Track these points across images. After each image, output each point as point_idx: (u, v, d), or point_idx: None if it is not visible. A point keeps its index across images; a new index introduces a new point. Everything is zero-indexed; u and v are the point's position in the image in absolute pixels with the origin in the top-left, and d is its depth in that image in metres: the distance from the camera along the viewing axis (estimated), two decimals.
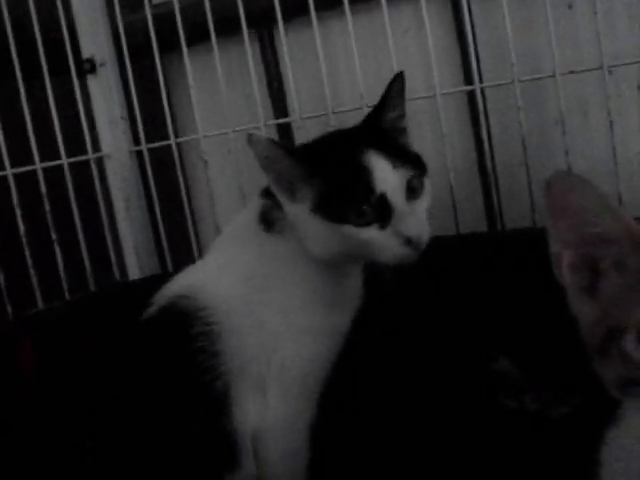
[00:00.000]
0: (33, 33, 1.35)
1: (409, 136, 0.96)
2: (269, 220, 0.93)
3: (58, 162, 1.36)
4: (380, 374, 1.01)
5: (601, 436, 0.65)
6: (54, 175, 1.37)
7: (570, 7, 1.29)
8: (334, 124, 1.27)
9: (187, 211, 1.42)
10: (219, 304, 0.90)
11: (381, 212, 0.85)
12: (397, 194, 0.85)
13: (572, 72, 1.16)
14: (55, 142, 1.37)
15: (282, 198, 0.89)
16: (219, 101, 1.37)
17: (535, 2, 1.18)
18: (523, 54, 1.23)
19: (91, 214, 1.42)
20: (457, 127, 1.39)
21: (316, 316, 0.91)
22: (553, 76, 1.16)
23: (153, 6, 1.48)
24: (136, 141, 1.49)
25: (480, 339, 1.02)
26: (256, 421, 0.91)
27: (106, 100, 1.49)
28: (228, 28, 1.37)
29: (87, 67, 1.46)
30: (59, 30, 1.40)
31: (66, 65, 1.41)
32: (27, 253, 1.29)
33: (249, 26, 1.35)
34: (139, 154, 1.49)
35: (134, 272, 1.50)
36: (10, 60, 1.33)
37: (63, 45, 1.40)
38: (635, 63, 1.15)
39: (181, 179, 1.41)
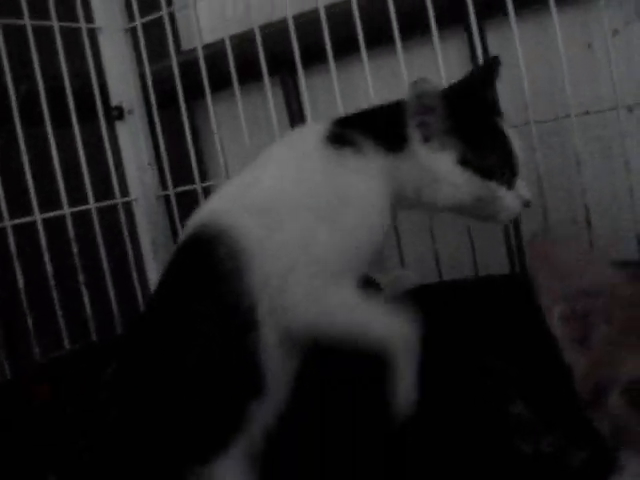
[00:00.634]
0: (63, 80, 1.40)
1: None
2: (344, 141, 0.97)
3: (86, 207, 1.40)
4: None
5: None
6: (83, 219, 1.40)
7: (589, 46, 1.29)
8: None
9: None
10: (240, 218, 0.92)
11: (512, 175, 0.97)
12: (522, 163, 0.98)
13: (587, 112, 1.16)
14: (83, 187, 1.41)
15: (418, 143, 0.95)
16: (244, 145, 1.41)
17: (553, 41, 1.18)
18: (541, 94, 1.24)
19: (119, 257, 1.45)
20: None
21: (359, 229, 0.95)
22: (569, 117, 1.17)
23: (179, 54, 1.53)
24: (163, 185, 1.54)
25: (497, 382, 1.02)
26: (288, 324, 0.91)
27: (134, 146, 1.54)
28: (251, 74, 1.40)
29: (115, 114, 1.51)
30: (89, 77, 1.46)
31: (95, 111, 1.46)
32: (55, 295, 1.32)
33: (272, 72, 1.38)
34: (166, 198, 1.53)
35: None
36: (40, 106, 1.36)
37: (92, 92, 1.46)
38: None
39: None
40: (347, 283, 0.93)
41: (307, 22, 1.35)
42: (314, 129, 1.01)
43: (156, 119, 1.49)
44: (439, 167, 0.95)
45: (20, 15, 1.33)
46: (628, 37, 1.26)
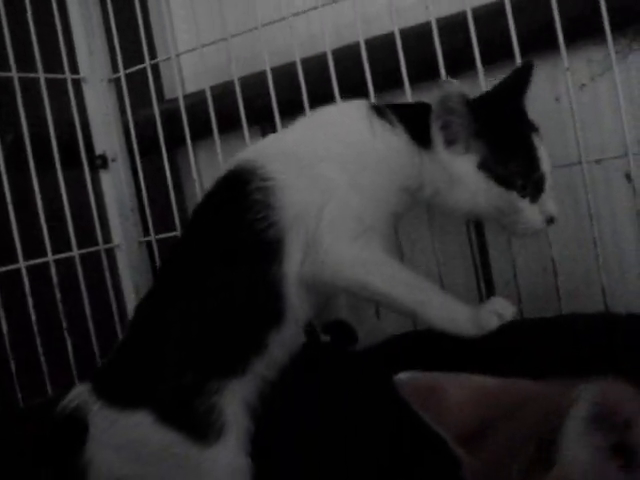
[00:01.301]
0: (48, 129, 1.45)
1: None
2: (389, 119, 1.05)
3: (70, 254, 1.45)
4: None
5: None
6: (66, 264, 1.45)
7: (557, 100, 1.35)
8: None
9: None
10: (276, 163, 1.02)
11: (536, 188, 0.98)
12: (549, 176, 1.00)
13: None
14: (66, 233, 1.45)
15: (439, 144, 1.00)
16: None
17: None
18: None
19: (101, 302, 1.49)
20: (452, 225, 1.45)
21: (378, 184, 1.02)
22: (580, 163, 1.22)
23: (162, 102, 1.59)
24: (145, 232, 1.58)
25: None
26: (313, 268, 0.99)
27: (117, 193, 1.59)
28: (231, 123, 1.45)
29: (99, 163, 1.56)
30: (73, 126, 1.51)
31: (79, 159, 1.51)
32: (38, 341, 1.35)
33: (252, 121, 1.44)
34: (148, 244, 1.58)
35: None
36: (25, 155, 1.41)
37: (76, 140, 1.51)
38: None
39: None
40: (369, 242, 1.01)
41: (285, 74, 1.40)
42: (358, 102, 1.10)
43: (139, 167, 1.54)
44: (459, 170, 0.99)
45: (7, 67, 1.38)
46: (595, 91, 1.33)
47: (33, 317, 1.36)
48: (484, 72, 1.23)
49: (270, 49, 1.40)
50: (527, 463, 0.51)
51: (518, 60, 1.19)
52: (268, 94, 1.39)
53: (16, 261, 1.36)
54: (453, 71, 1.25)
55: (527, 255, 1.33)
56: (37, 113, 1.44)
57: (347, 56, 1.35)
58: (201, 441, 0.96)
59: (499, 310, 0.98)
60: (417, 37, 1.31)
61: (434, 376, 0.61)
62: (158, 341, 1.01)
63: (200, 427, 0.97)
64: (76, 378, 1.39)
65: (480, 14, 1.25)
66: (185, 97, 1.52)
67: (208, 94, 1.45)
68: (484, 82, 1.23)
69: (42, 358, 1.36)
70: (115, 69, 1.57)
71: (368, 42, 1.31)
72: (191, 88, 1.58)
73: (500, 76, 1.18)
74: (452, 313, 0.99)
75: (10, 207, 1.35)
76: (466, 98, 0.97)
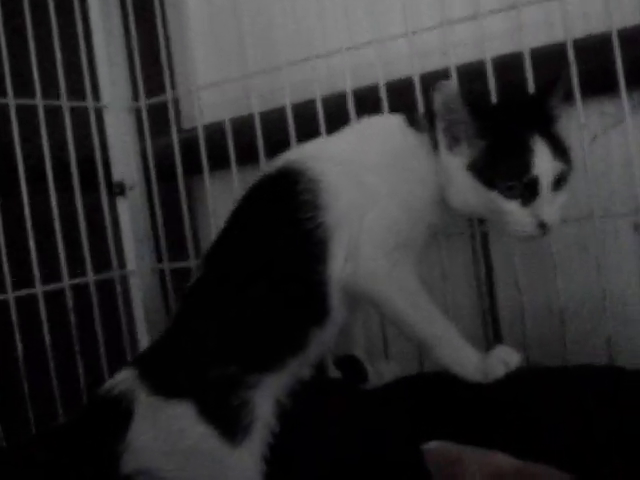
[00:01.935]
0: (68, 153, 1.50)
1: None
2: (418, 125, 1.11)
3: (85, 279, 1.49)
4: None
5: None
6: (79, 288, 1.49)
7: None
8: None
9: None
10: (324, 165, 1.08)
11: (528, 192, 0.98)
12: (546, 181, 0.98)
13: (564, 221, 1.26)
14: (82, 258, 1.49)
15: (442, 144, 1.05)
16: None
17: None
18: None
19: (112, 327, 1.53)
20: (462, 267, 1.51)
21: (416, 197, 1.08)
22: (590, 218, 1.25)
23: (180, 132, 1.63)
24: (159, 259, 1.63)
25: None
26: (350, 273, 1.06)
27: (133, 220, 1.64)
28: (248, 155, 1.49)
29: (117, 190, 1.61)
30: (93, 152, 1.56)
31: (96, 184, 1.56)
32: (51, 365, 1.39)
33: (269, 154, 1.48)
34: (161, 272, 1.63)
35: None
36: (46, 180, 1.46)
37: (95, 166, 1.56)
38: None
39: None
40: (403, 258, 1.07)
41: (304, 110, 1.45)
42: (395, 115, 1.15)
43: (155, 195, 1.59)
44: (451, 169, 1.04)
45: (31, 93, 1.43)
46: (607, 143, 1.37)
47: (47, 340, 1.40)
48: None
49: (290, 86, 1.44)
50: None
51: None
52: (287, 129, 1.44)
53: (32, 286, 1.39)
54: None
55: (535, 300, 1.37)
56: (58, 138, 1.49)
57: (366, 96, 1.40)
58: (229, 440, 1.00)
59: (505, 358, 1.03)
60: (436, 81, 1.35)
61: (459, 449, 0.65)
62: (205, 332, 1.05)
63: (231, 424, 1.00)
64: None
65: (499, 63, 1.30)
66: (204, 127, 1.56)
67: (227, 126, 1.50)
68: None
69: (55, 382, 1.40)
70: (136, 98, 1.62)
71: (388, 84, 1.36)
72: (210, 118, 1.63)
73: None
74: (462, 356, 1.04)
75: (30, 233, 1.39)
76: (465, 98, 1.01)
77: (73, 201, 1.50)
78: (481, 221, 1.35)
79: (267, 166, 1.17)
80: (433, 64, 1.38)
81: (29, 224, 1.39)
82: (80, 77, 1.54)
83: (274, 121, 1.49)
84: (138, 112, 1.63)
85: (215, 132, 1.56)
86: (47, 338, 1.39)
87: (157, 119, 1.62)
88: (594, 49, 1.27)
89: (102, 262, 1.55)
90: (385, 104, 1.35)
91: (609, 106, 1.35)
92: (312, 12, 1.59)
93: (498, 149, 1.00)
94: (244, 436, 1.01)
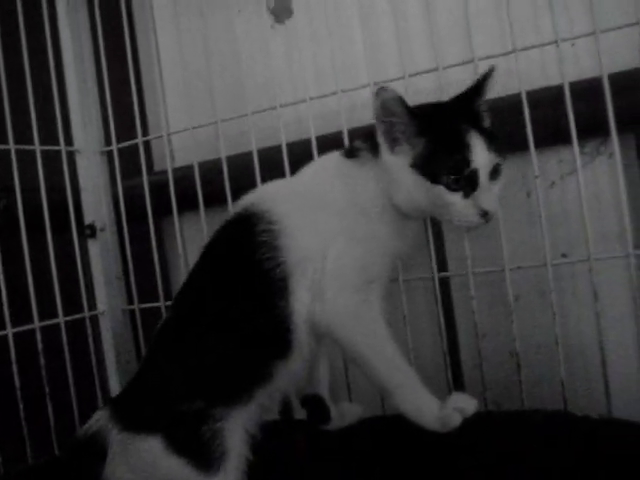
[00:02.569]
0: (40, 196, 1.54)
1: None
2: (354, 153, 1.16)
3: (56, 320, 1.53)
4: None
5: None
6: (50, 329, 1.52)
7: (529, 195, 1.46)
8: None
9: None
10: (280, 207, 1.12)
11: (469, 184, 1.05)
12: (484, 173, 1.05)
13: (519, 267, 1.33)
14: (53, 299, 1.53)
15: (383, 146, 1.10)
16: None
17: None
18: (482, 245, 1.40)
19: (82, 367, 1.57)
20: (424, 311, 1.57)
21: (373, 229, 1.12)
22: (502, 270, 1.33)
23: (151, 174, 1.69)
24: (130, 300, 1.67)
25: None
26: (316, 312, 1.10)
27: (103, 261, 1.68)
28: (217, 197, 1.54)
29: (88, 232, 1.65)
30: (64, 194, 1.61)
31: (67, 225, 1.59)
32: (21, 406, 1.43)
33: (237, 198, 1.53)
34: (132, 313, 1.67)
35: None
36: (16, 220, 1.50)
37: (67, 208, 1.60)
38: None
39: None
40: (369, 296, 1.11)
41: (271, 155, 1.50)
42: (334, 152, 1.21)
43: (126, 237, 1.63)
44: (394, 170, 1.09)
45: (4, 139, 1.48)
46: (564, 189, 1.44)
47: (17, 382, 1.43)
48: None
49: (258, 132, 1.50)
50: None
51: None
52: (253, 173, 1.49)
53: (2, 327, 1.43)
54: None
55: (494, 344, 1.43)
56: (30, 180, 1.53)
57: (331, 142, 1.45)
58: (204, 470, 1.05)
59: (462, 406, 1.07)
60: None
61: None
62: (172, 369, 1.10)
63: (204, 455, 1.05)
64: (56, 445, 1.46)
65: None
66: (174, 170, 1.61)
67: (196, 170, 1.55)
68: None
69: (24, 422, 1.43)
70: (108, 142, 1.68)
71: (351, 131, 1.42)
72: (180, 161, 1.67)
73: None
74: (421, 406, 1.08)
75: (1, 276, 1.43)
76: (403, 100, 1.06)
77: (45, 243, 1.54)
78: (441, 267, 1.41)
79: (232, 208, 1.22)
80: None
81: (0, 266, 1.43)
82: (53, 121, 1.58)
83: (242, 165, 1.54)
84: (110, 155, 1.68)
85: (185, 175, 1.61)
86: (17, 379, 1.43)
87: (128, 161, 1.67)
88: (550, 101, 1.34)
89: (73, 303, 1.59)
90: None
91: (566, 155, 1.42)
92: (281, 63, 1.66)
93: (439, 146, 1.06)
94: (219, 466, 1.05)
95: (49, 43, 1.60)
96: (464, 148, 1.04)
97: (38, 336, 1.48)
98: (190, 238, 1.64)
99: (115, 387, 1.65)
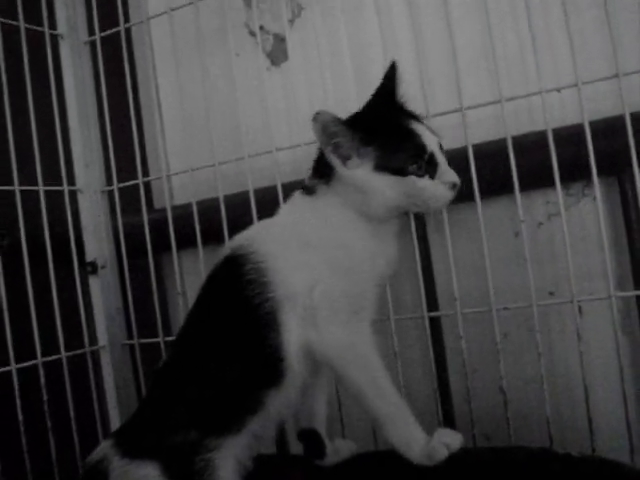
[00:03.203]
0: (43, 233, 1.61)
1: None
2: (312, 189, 1.22)
3: (57, 356, 1.59)
4: None
5: None
6: (52, 364, 1.58)
7: (517, 235, 1.53)
8: None
9: None
10: (264, 247, 1.18)
11: (431, 166, 1.14)
12: (438, 152, 1.15)
13: (505, 308, 1.39)
14: (55, 334, 1.60)
15: (338, 166, 1.16)
16: None
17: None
18: (472, 284, 1.47)
19: (83, 401, 1.63)
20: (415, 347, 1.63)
21: (353, 258, 1.17)
22: (490, 310, 1.39)
23: (151, 212, 1.75)
24: (129, 335, 1.73)
25: None
26: (310, 341, 1.15)
27: (104, 297, 1.75)
28: (215, 235, 1.60)
29: (90, 269, 1.72)
30: (67, 232, 1.67)
31: (68, 262, 1.66)
32: (23, 440, 1.48)
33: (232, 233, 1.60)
34: (131, 347, 1.73)
35: None
36: (20, 257, 1.56)
37: (69, 246, 1.67)
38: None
39: None
40: (360, 324, 1.17)
41: (267, 195, 1.57)
42: (296, 193, 1.27)
43: (126, 274, 1.70)
44: (361, 180, 1.15)
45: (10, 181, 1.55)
46: (551, 229, 1.51)
47: (20, 417, 1.49)
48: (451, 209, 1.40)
49: (255, 172, 1.58)
50: None
51: (478, 199, 1.37)
52: (250, 211, 1.56)
53: (6, 364, 1.49)
54: None
55: (483, 380, 1.49)
56: (35, 220, 1.60)
57: None
58: None
59: (448, 441, 1.13)
60: None
61: None
62: (170, 401, 1.17)
63: None
64: (57, 477, 1.52)
65: (449, 157, 1.43)
66: (173, 208, 1.68)
67: (195, 209, 1.62)
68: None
69: (26, 455, 1.48)
70: (109, 182, 1.75)
71: None
72: (179, 199, 1.74)
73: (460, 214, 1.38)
74: (410, 438, 1.14)
75: (6, 314, 1.49)
76: (340, 119, 1.14)
77: (47, 279, 1.60)
78: (432, 306, 1.47)
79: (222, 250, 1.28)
80: None
81: (4, 303, 1.49)
82: (56, 162, 1.66)
83: (239, 204, 1.60)
84: (111, 195, 1.74)
85: (183, 213, 1.68)
86: (20, 413, 1.49)
87: (128, 199, 1.73)
88: (537, 145, 1.40)
89: (74, 337, 1.65)
90: None
91: (553, 196, 1.49)
92: (278, 104, 1.74)
93: (393, 144, 1.14)
94: None
95: (53, 86, 1.67)
96: (415, 137, 1.14)
97: (41, 371, 1.54)
98: (189, 274, 1.70)
99: (115, 419, 1.71)
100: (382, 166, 1.14)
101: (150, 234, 1.68)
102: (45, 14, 1.68)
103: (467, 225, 1.50)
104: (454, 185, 1.14)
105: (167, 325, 1.72)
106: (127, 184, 1.71)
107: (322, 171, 1.20)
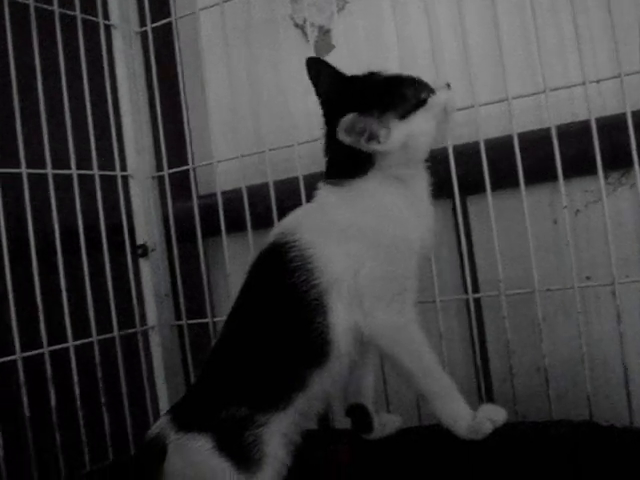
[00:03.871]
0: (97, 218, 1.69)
1: None
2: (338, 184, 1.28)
3: (111, 335, 1.67)
4: None
5: None
6: (104, 344, 1.66)
7: (555, 222, 1.59)
8: None
9: None
10: (306, 236, 1.24)
11: (429, 89, 1.27)
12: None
13: (548, 290, 1.46)
14: (108, 315, 1.67)
15: (378, 147, 1.22)
16: None
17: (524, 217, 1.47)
18: (514, 266, 1.53)
19: (134, 380, 1.71)
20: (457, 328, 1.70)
21: (394, 236, 1.24)
22: (532, 292, 1.46)
23: (199, 197, 1.82)
24: (178, 316, 1.81)
25: None
26: (358, 324, 1.22)
27: (154, 279, 1.83)
28: (263, 219, 1.69)
29: (140, 252, 1.80)
30: (118, 215, 1.76)
31: (119, 247, 1.74)
32: (80, 414, 1.56)
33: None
34: (180, 328, 1.81)
35: None
36: (77, 240, 1.64)
37: (121, 230, 1.75)
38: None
39: None
40: (404, 305, 1.24)
41: (314, 180, 1.63)
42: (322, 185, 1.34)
43: (176, 256, 1.78)
44: (402, 137, 1.22)
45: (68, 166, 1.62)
46: (588, 217, 1.57)
47: (77, 392, 1.56)
48: (493, 197, 1.48)
49: (302, 158, 1.65)
50: None
51: (522, 187, 1.44)
52: (298, 196, 1.63)
53: (64, 341, 1.57)
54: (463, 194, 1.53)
55: (524, 359, 1.56)
56: (89, 204, 1.68)
57: None
58: (244, 471, 1.18)
59: (492, 416, 1.20)
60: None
61: None
62: (222, 379, 1.24)
63: (245, 457, 1.18)
64: (111, 453, 1.61)
65: (492, 146, 1.50)
66: (221, 193, 1.75)
67: (244, 194, 1.70)
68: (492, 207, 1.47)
69: (82, 430, 1.56)
70: (160, 168, 1.82)
71: None
72: (227, 185, 1.81)
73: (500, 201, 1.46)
74: (456, 414, 1.22)
75: (64, 294, 1.57)
76: (356, 114, 1.20)
77: (100, 262, 1.68)
78: (475, 286, 1.54)
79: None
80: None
81: (63, 284, 1.57)
82: (110, 149, 1.74)
83: (287, 189, 1.68)
84: (161, 180, 1.82)
85: (231, 198, 1.75)
86: (77, 389, 1.56)
87: (178, 186, 1.81)
88: (577, 135, 1.47)
89: (126, 318, 1.73)
90: None
91: (591, 184, 1.55)
92: None
93: (395, 93, 1.24)
94: (256, 469, 1.18)
95: (107, 75, 1.75)
96: (401, 76, 1.26)
97: (96, 349, 1.62)
98: (236, 258, 1.77)
99: (163, 396, 1.79)
100: (404, 114, 1.22)
101: (199, 219, 1.75)
102: (100, 5, 1.76)
103: (505, 212, 1.56)
104: (448, 85, 1.29)
105: (214, 307, 1.79)
106: (178, 169, 1.79)
107: (351, 167, 1.26)
